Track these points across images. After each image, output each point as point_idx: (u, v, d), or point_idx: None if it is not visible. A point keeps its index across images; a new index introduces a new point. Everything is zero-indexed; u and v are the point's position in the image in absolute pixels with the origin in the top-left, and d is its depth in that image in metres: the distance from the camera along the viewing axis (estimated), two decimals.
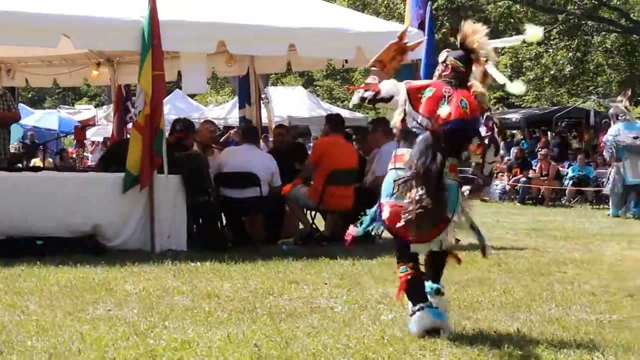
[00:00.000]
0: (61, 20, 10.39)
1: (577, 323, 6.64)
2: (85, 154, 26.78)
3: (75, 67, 15.01)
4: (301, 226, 12.10)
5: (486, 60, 6.25)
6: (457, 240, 6.52)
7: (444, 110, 5.96)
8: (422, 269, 6.30)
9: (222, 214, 11.51)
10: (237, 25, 11.17)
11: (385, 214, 6.24)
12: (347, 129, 14.65)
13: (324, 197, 11.49)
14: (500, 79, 6.20)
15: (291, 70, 16.61)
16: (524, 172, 23.47)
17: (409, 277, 6.17)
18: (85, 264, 9.23)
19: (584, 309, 7.24)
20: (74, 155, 24.55)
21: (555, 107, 32.44)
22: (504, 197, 23.81)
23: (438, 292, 6.33)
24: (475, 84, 6.14)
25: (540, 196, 23.03)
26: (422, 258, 6.33)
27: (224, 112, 29.49)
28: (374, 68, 6.49)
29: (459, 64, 6.30)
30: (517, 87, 6.23)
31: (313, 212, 11.99)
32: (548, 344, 5.86)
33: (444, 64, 6.36)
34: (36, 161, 21.35)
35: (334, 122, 12.25)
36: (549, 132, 30.13)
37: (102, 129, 27.90)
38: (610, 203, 18.84)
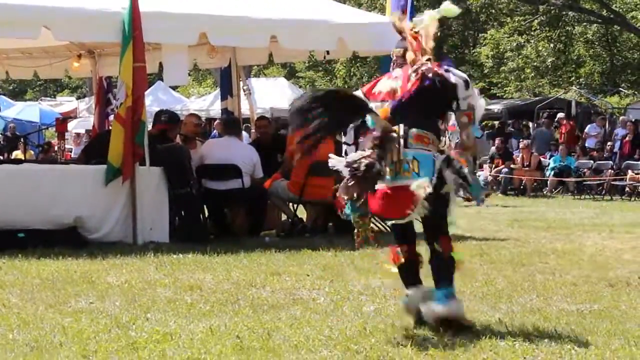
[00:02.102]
0: (41, 11, 10.34)
1: (558, 313, 6.66)
2: (67, 146, 26.67)
3: (56, 59, 14.94)
4: (284, 218, 12.10)
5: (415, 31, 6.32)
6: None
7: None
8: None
9: (205, 206, 11.49)
10: (219, 17, 11.15)
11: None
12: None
13: (305, 189, 11.48)
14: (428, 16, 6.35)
15: (273, 61, 16.59)
16: (505, 163, 23.52)
17: (400, 262, 6.20)
18: (67, 256, 9.21)
19: (565, 299, 7.27)
20: (56, 148, 24.46)
21: (537, 98, 32.50)
22: (486, 188, 23.85)
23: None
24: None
25: (522, 187, 23.10)
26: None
27: (206, 103, 29.44)
28: None
29: (397, 49, 6.40)
30: (448, 9, 6.37)
31: (295, 204, 12.00)
32: (529, 334, 5.88)
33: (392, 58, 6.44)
34: (17, 153, 21.27)
35: None
36: (530, 123, 30.18)
37: (84, 121, 27.79)
38: None
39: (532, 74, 38.19)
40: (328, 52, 13.13)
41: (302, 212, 12.26)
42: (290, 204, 12.03)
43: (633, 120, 25.62)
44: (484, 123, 33.92)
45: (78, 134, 29.40)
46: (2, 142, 24.80)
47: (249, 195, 11.46)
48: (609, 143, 24.70)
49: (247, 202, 11.52)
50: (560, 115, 28.04)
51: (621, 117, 27.11)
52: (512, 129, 28.67)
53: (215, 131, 21.43)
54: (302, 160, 11.46)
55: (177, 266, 8.82)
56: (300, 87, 38.85)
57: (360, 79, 42.74)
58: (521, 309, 6.80)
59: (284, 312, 6.59)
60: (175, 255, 9.43)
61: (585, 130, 26.04)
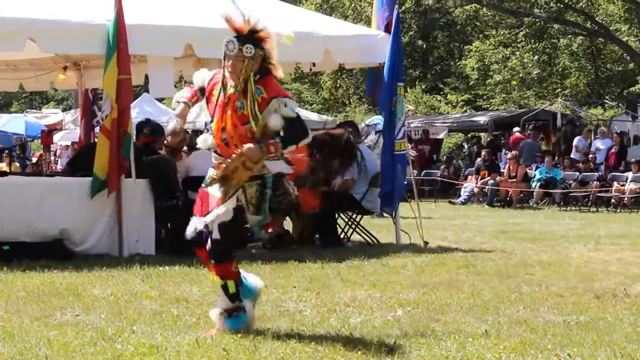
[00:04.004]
0: (27, 23, 10.32)
1: (544, 325, 6.67)
2: (52, 157, 26.61)
3: (42, 71, 14.90)
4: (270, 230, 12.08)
5: None
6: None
7: None
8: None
9: (191, 218, 11.43)
10: (204, 29, 11.14)
11: None
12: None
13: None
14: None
15: None
16: (492, 175, 23.56)
17: None
18: (53, 268, 9.18)
19: (552, 311, 7.27)
20: (42, 160, 24.38)
21: (523, 110, 32.59)
22: (472, 199, 23.89)
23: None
24: None
25: (508, 198, 23.13)
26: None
27: (192, 115, 29.34)
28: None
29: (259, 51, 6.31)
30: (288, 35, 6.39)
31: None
32: (516, 346, 5.88)
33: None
34: (2, 166, 21.19)
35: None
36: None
37: (70, 133, 27.72)
38: None
39: (518, 86, 38.31)
40: (314, 64, 13.15)
41: (288, 224, 12.24)
42: None
43: (618, 132, 25.74)
44: (470, 134, 34.09)
45: (67, 146, 29.36)
46: None
47: (235, 208, 11.41)
48: (590, 155, 24.78)
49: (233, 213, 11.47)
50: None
51: (599, 129, 27.23)
52: (503, 140, 28.77)
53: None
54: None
55: (164, 278, 8.80)
56: None
57: (347, 91, 42.84)
58: (508, 321, 6.80)
59: (271, 324, 6.57)
60: (162, 267, 9.40)
61: (574, 142, 26.14)
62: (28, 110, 41.76)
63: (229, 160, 6.06)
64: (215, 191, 6.20)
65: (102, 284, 8.40)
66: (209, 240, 6.21)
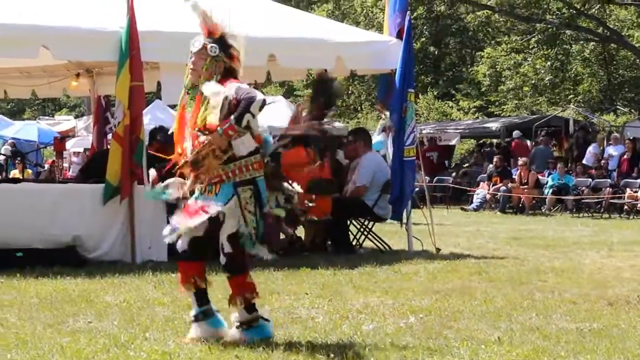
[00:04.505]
0: (40, 31, 10.36)
1: (557, 332, 6.65)
2: (65, 164, 26.68)
3: (54, 78, 14.94)
4: (282, 236, 12.06)
5: None
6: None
7: None
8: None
9: None
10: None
11: None
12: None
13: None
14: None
15: (271, 80, 16.59)
16: (504, 181, 23.52)
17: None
18: (65, 275, 9.20)
19: (565, 318, 7.25)
20: (55, 167, 24.45)
21: (535, 116, 32.54)
22: (485, 206, 23.85)
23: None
24: None
25: (520, 205, 23.08)
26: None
27: None
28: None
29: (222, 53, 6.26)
30: None
31: None
32: (529, 353, 5.87)
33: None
34: (15, 173, 21.26)
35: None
36: (528, 141, 30.23)
37: (82, 140, 27.77)
38: None
39: (530, 92, 38.25)
40: (326, 71, 13.13)
41: (300, 231, 12.24)
42: None
43: (631, 138, 25.69)
44: (482, 140, 34.06)
45: (78, 153, 29.42)
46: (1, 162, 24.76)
47: None
48: (602, 161, 24.74)
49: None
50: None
51: (612, 135, 27.18)
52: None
53: None
54: (296, 179, 11.46)
55: (176, 285, 8.74)
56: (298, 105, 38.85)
57: (359, 97, 42.82)
58: (520, 328, 6.78)
59: (283, 331, 6.57)
60: (174, 274, 9.35)
61: (590, 149, 26.10)
62: (41, 117, 41.86)
63: (198, 148, 6.04)
64: (205, 201, 6.13)
65: (114, 291, 8.41)
66: (222, 255, 6.17)
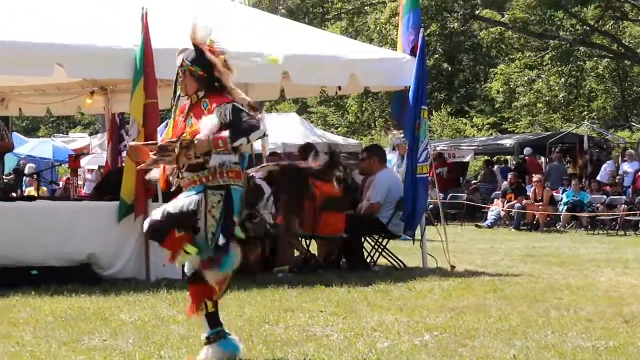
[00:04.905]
0: (55, 49, 10.40)
1: (573, 350, 6.62)
2: (79, 182, 26.70)
3: (69, 96, 15.01)
4: (296, 254, 12.09)
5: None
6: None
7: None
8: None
9: None
10: (231, 53, 11.16)
11: None
12: (342, 154, 14.67)
13: (317, 225, 11.48)
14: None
15: (285, 97, 16.64)
16: (518, 198, 23.47)
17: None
18: (81, 293, 9.21)
19: (581, 336, 7.22)
20: (70, 185, 24.48)
21: (549, 133, 32.50)
22: (499, 223, 23.80)
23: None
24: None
25: (535, 222, 23.02)
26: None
27: None
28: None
29: (196, 68, 6.12)
30: (276, 56, 6.25)
31: (308, 240, 12.00)
32: None
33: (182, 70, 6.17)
34: (31, 190, 21.31)
35: (301, 154, 12.30)
36: (542, 158, 30.19)
37: (97, 158, 27.85)
38: None
39: (544, 109, 38.21)
40: (340, 88, 13.17)
41: (314, 248, 12.24)
42: (303, 239, 12.03)
43: None
44: (496, 158, 34.01)
45: (92, 170, 29.50)
46: (13, 180, 24.81)
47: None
48: (617, 178, 24.68)
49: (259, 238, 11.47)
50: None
51: (627, 152, 27.13)
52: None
53: None
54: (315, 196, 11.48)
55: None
56: (312, 122, 38.92)
57: (372, 114, 42.85)
58: (536, 346, 6.75)
59: (298, 349, 6.56)
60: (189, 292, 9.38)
61: (604, 166, 26.05)
62: (56, 134, 42.02)
63: (177, 139, 5.98)
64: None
65: (129, 309, 8.41)
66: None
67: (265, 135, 5.99)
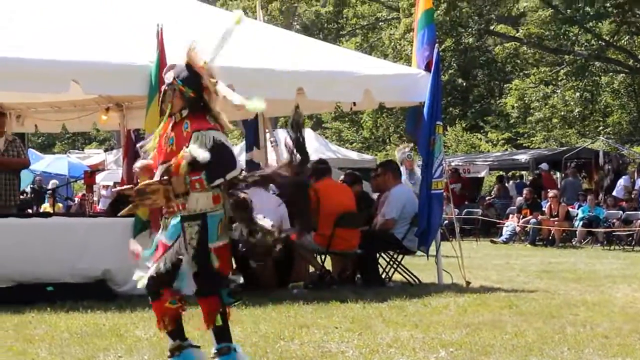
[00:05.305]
0: (70, 66, 10.44)
1: None
2: (94, 198, 26.76)
3: (85, 112, 15.06)
4: (311, 270, 12.08)
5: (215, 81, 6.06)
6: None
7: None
8: None
9: (232, 258, 11.45)
10: (246, 69, 11.22)
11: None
12: (356, 172, 14.67)
13: (332, 241, 11.48)
14: (235, 98, 6.03)
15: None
16: (534, 213, 23.42)
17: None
18: (96, 309, 9.21)
19: (597, 352, 7.18)
20: (85, 201, 24.56)
21: (564, 148, 32.44)
22: (514, 239, 23.74)
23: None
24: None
25: (550, 237, 22.96)
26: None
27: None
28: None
29: (187, 89, 6.06)
30: (256, 104, 6.20)
31: (323, 255, 11.99)
32: None
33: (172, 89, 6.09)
34: (46, 207, 21.38)
35: (314, 170, 12.26)
36: (558, 173, 30.13)
37: (112, 174, 27.93)
38: None
39: (559, 124, 38.15)
40: (354, 104, 13.18)
41: (329, 264, 12.23)
42: (318, 255, 12.02)
43: None
44: (510, 173, 33.95)
45: (107, 187, 29.58)
46: (30, 195, 24.93)
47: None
48: (633, 193, 24.60)
49: (274, 254, 11.47)
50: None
51: None
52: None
53: None
54: (325, 212, 11.46)
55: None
56: (326, 137, 38.95)
57: (387, 130, 42.86)
58: None
59: None
60: None
61: (619, 181, 25.97)
62: (71, 150, 42.17)
63: (153, 180, 5.98)
64: (162, 235, 6.11)
65: (144, 325, 8.40)
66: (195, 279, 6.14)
67: (241, 172, 6.02)
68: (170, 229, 6.06)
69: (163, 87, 6.15)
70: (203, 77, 6.04)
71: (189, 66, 6.09)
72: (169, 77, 6.08)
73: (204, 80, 6.04)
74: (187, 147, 5.86)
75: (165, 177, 5.94)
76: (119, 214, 6.22)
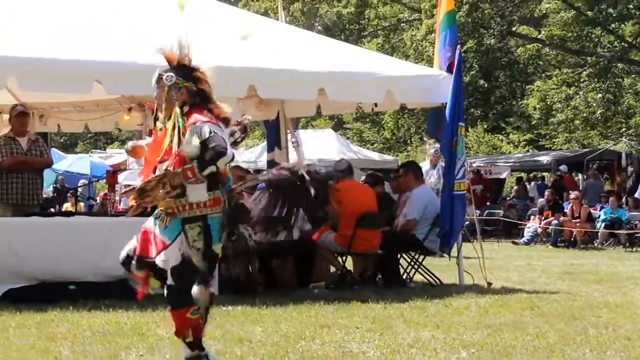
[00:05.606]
0: (93, 66, 10.49)
1: None
2: (116, 197, 26.81)
3: (107, 112, 15.11)
4: (332, 270, 12.09)
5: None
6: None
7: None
8: None
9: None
10: (267, 70, 11.24)
11: None
12: (378, 173, 14.68)
13: (353, 241, 11.48)
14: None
15: (321, 113, 16.67)
16: (555, 215, 23.34)
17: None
18: (118, 308, 9.25)
19: (619, 354, 7.16)
20: (107, 200, 24.62)
21: (587, 150, 32.31)
22: (536, 240, 23.67)
23: None
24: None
25: (572, 239, 22.87)
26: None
27: (254, 155, 29.59)
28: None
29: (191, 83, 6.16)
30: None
31: (344, 255, 11.99)
32: None
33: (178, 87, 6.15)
34: (68, 206, 21.44)
35: (337, 171, 12.30)
36: (580, 175, 30.02)
37: (134, 173, 27.99)
38: None
39: (582, 125, 38.00)
40: (376, 104, 13.17)
41: (350, 264, 12.23)
42: (338, 256, 12.02)
43: None
44: (532, 174, 33.85)
45: (127, 186, 29.65)
46: (52, 194, 25.00)
47: (297, 247, 11.45)
48: None
49: (295, 254, 11.52)
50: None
51: None
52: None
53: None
54: (347, 212, 11.48)
55: (227, 318, 8.82)
56: (347, 138, 38.95)
57: (408, 131, 42.80)
58: None
59: None
60: (224, 307, 9.43)
61: None
62: (93, 150, 42.33)
63: (150, 177, 6.00)
64: (160, 232, 6.11)
65: (166, 324, 8.41)
66: (165, 286, 6.15)
67: (232, 159, 5.99)
68: (169, 227, 6.07)
69: (161, 91, 6.12)
70: (196, 70, 6.15)
71: (181, 63, 6.17)
72: (170, 77, 6.07)
73: (196, 73, 6.14)
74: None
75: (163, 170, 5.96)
76: (127, 215, 6.25)
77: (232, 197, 6.13)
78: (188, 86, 6.09)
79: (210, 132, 5.89)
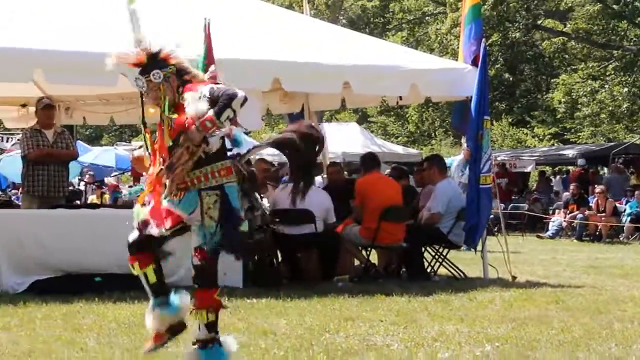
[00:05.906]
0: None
1: None
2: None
3: (132, 105, 15.12)
4: (356, 263, 12.10)
5: None
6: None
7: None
8: None
9: (278, 251, 11.53)
10: (292, 63, 11.25)
11: None
12: (402, 166, 14.68)
13: (378, 234, 11.48)
14: None
15: (345, 107, 16.67)
16: (581, 209, 23.25)
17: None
18: (143, 300, 9.23)
19: None
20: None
21: (612, 143, 32.15)
22: (561, 234, 23.59)
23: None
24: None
25: (597, 233, 22.78)
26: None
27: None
28: None
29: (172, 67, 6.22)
30: None
31: (368, 249, 12.00)
32: None
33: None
34: (93, 198, 21.56)
35: (364, 162, 12.30)
36: (605, 169, 29.87)
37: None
38: None
39: (607, 119, 37.81)
40: (400, 98, 13.16)
41: (374, 257, 12.23)
42: (363, 249, 12.03)
43: None
44: (557, 168, 33.71)
45: None
46: (79, 186, 25.12)
47: (322, 240, 11.47)
48: None
49: (319, 246, 11.54)
50: None
51: None
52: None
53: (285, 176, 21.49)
54: (372, 206, 11.48)
55: (251, 311, 8.84)
56: (372, 131, 38.91)
57: (432, 124, 42.73)
58: (599, 358, 6.69)
59: (358, 358, 6.56)
60: (249, 300, 9.46)
61: None
62: (118, 143, 42.46)
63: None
64: (172, 206, 6.10)
65: (190, 315, 8.45)
66: (192, 266, 6.21)
67: (246, 99, 5.88)
68: (185, 201, 6.02)
69: (156, 92, 6.19)
70: (160, 53, 6.19)
71: (156, 56, 6.21)
72: (157, 75, 6.10)
73: (163, 55, 6.19)
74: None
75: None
76: (164, 197, 6.22)
77: (241, 167, 6.11)
78: (171, 71, 6.10)
79: (212, 88, 5.90)
